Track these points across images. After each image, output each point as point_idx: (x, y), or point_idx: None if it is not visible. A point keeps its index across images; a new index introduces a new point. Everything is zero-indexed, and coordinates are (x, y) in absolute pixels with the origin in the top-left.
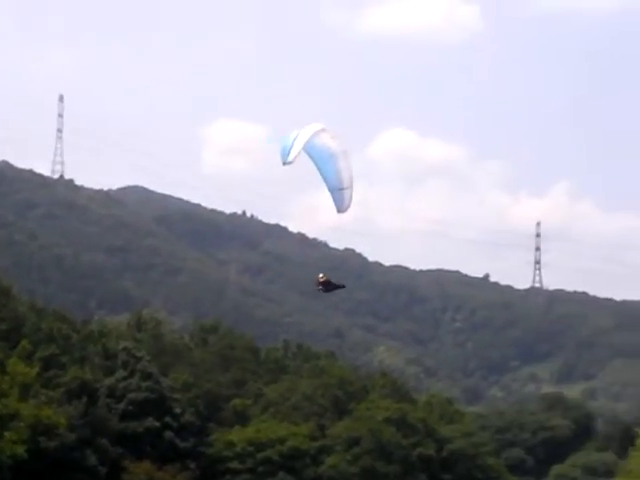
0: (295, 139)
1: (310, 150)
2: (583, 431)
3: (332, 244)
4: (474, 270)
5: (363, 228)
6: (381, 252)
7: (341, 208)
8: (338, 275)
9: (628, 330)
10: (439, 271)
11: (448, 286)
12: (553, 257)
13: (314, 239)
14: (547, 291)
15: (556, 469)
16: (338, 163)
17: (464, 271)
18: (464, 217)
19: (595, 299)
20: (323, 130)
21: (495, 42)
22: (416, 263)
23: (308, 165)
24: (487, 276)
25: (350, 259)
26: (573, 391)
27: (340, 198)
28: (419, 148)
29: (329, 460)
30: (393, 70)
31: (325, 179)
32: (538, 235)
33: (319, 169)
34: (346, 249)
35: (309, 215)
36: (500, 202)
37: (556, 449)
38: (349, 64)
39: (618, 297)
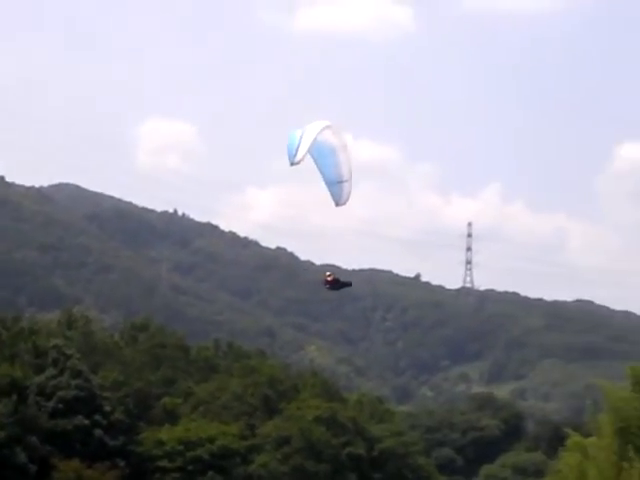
0: (302, 138)
1: (311, 146)
2: (513, 431)
3: (263, 243)
4: (405, 270)
5: (295, 227)
6: (313, 251)
7: (340, 201)
8: (268, 274)
9: (558, 330)
10: (370, 270)
11: (379, 285)
12: (484, 257)
13: (245, 238)
14: (478, 291)
15: (486, 469)
16: (338, 156)
17: (395, 271)
18: (396, 217)
19: (525, 299)
20: (328, 127)
21: (428, 43)
22: (348, 262)
23: (240, 164)
24: (418, 276)
25: (281, 258)
26: (503, 391)
27: (339, 191)
28: (351, 148)
29: (259, 459)
30: (325, 70)
31: (323, 172)
32: (469, 235)
33: (318, 163)
34: (277, 248)
35: (240, 214)
36: (432, 203)
37: (486, 449)
38: (281, 63)
39: (548, 297)
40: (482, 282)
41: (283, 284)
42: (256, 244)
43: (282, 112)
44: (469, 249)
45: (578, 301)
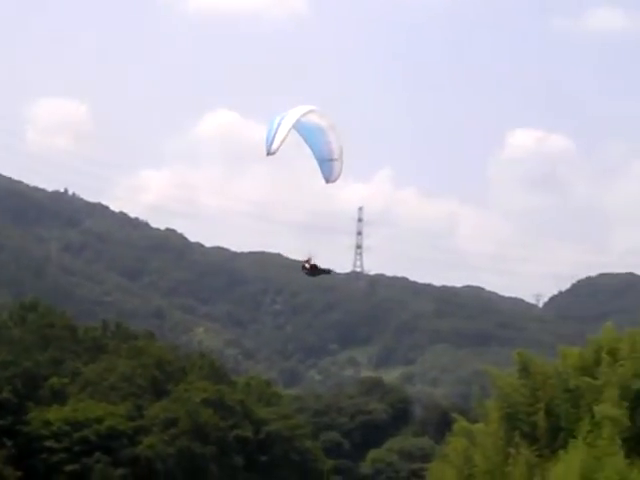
0: (279, 126)
1: (298, 127)
2: (401, 416)
3: (154, 224)
4: (296, 253)
5: (185, 209)
6: (203, 233)
7: (330, 178)
8: (158, 255)
9: (447, 316)
10: (261, 253)
11: (269, 268)
12: (375, 242)
13: (136, 219)
14: (368, 275)
15: (373, 453)
16: (328, 136)
17: (285, 254)
18: (287, 200)
19: (415, 284)
20: (312, 111)
21: (321, 26)
22: (238, 245)
23: (132, 145)
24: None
25: (171, 239)
26: (391, 376)
27: (329, 168)
28: (243, 130)
29: (146, 441)
30: (217, 50)
31: (314, 150)
32: (360, 220)
33: (307, 141)
34: (167, 229)
35: (132, 195)
36: (323, 187)
37: (373, 433)
38: (174, 43)
39: (438, 283)
40: (372, 266)
41: (173, 265)
42: (146, 225)
43: (175, 93)
44: (360, 233)
45: (467, 287)
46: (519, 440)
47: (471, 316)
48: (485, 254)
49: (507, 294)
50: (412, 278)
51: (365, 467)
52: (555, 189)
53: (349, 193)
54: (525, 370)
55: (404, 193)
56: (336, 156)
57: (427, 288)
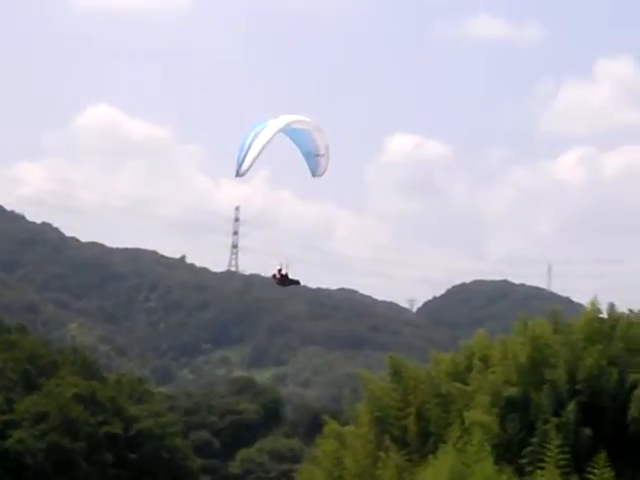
0: (249, 147)
1: (284, 129)
2: (271, 416)
3: (30, 218)
4: (171, 251)
5: (62, 203)
6: (79, 228)
7: (317, 172)
8: (33, 249)
9: (321, 318)
10: (136, 250)
11: (144, 265)
12: (251, 242)
13: (12, 212)
14: (243, 275)
15: (243, 453)
16: (312, 134)
17: (161, 251)
18: (165, 198)
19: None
20: (295, 121)
21: (205, 21)
22: (113, 240)
23: (9, 138)
24: (183, 257)
25: (47, 233)
26: (264, 376)
27: (315, 163)
28: (124, 126)
29: (16, 435)
30: (103, 47)
31: (300, 145)
32: (237, 219)
33: (293, 139)
34: (43, 223)
35: (8, 187)
36: (201, 185)
37: (244, 433)
38: (61, 41)
39: (313, 285)
40: (248, 266)
41: (48, 260)
42: (22, 218)
43: (55, 87)
44: (236, 233)
45: (342, 290)
46: (389, 444)
47: (345, 319)
48: (361, 258)
49: (381, 298)
50: None
51: (235, 467)
52: (432, 195)
53: (226, 193)
54: (397, 374)
55: (282, 195)
56: (322, 152)
57: (302, 290)
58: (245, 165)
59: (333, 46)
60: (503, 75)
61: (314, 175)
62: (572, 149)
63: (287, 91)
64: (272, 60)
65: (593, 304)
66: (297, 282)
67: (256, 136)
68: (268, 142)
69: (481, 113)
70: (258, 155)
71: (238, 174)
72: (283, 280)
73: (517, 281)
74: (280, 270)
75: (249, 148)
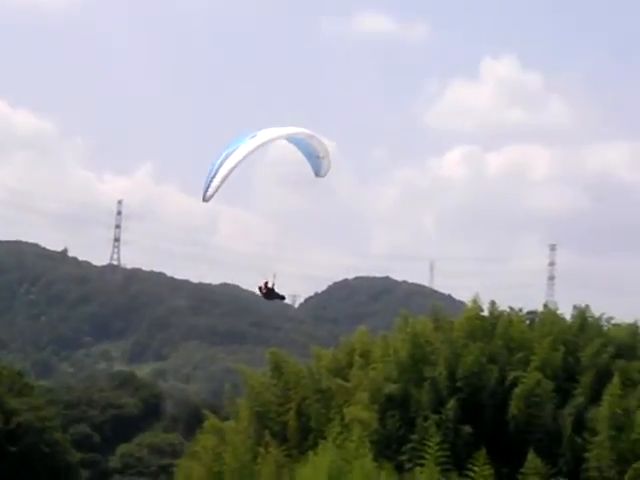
0: (216, 172)
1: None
2: (152, 411)
3: None
4: (53, 244)
5: None
6: None
7: (319, 172)
8: None
9: (202, 313)
10: (17, 243)
11: (25, 258)
12: (133, 236)
13: None
14: (125, 269)
15: (123, 448)
16: (311, 139)
17: (43, 244)
18: (47, 190)
19: (172, 280)
20: (284, 135)
21: (97, 14)
22: None
23: None
24: (65, 250)
25: None
26: (144, 370)
27: (318, 164)
28: (8, 118)
29: None
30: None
31: (300, 147)
32: (119, 213)
33: (292, 142)
34: None
35: None
36: (84, 178)
37: (124, 427)
38: None
39: (195, 279)
40: (130, 260)
41: None
42: None
43: None
44: (118, 227)
45: (224, 285)
46: (269, 439)
47: (226, 314)
48: (243, 253)
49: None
50: (169, 274)
51: (114, 461)
52: (316, 191)
53: (109, 186)
54: (277, 370)
55: (165, 188)
56: (322, 155)
57: (184, 284)
58: (210, 190)
59: (222, 41)
60: (390, 73)
61: (317, 175)
62: (456, 147)
63: (174, 84)
64: (160, 55)
65: (474, 302)
66: (282, 297)
67: (227, 157)
68: (240, 162)
69: (367, 110)
70: (226, 177)
71: (204, 199)
72: (269, 293)
73: (399, 278)
74: (266, 283)
75: (217, 171)
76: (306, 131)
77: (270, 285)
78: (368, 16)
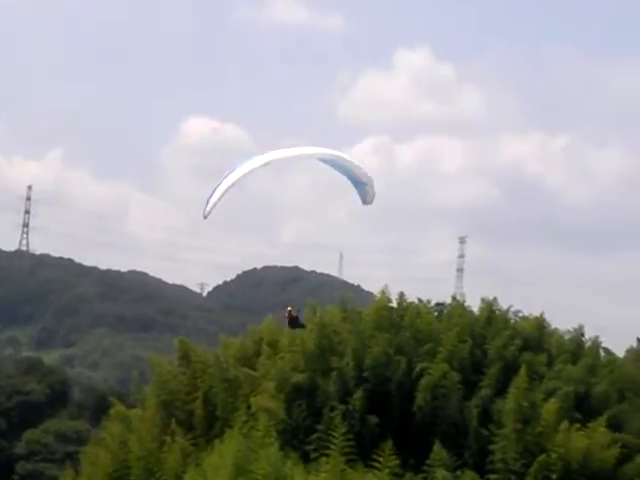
0: (215, 190)
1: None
2: (59, 398)
3: None
4: None
5: None
6: None
7: (366, 200)
8: None
9: (110, 300)
10: None
11: None
12: (42, 221)
13: None
14: (33, 255)
15: (29, 434)
16: (351, 163)
17: None
18: None
19: (80, 266)
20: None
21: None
22: None
23: None
24: None
25: None
26: (51, 357)
27: (364, 191)
28: None
29: None
30: None
31: (344, 174)
32: (29, 198)
33: (335, 166)
34: None
35: None
36: None
37: (30, 414)
38: None
39: (103, 266)
40: (39, 246)
41: None
42: None
43: None
44: (27, 212)
45: (133, 272)
46: (175, 427)
47: (135, 301)
48: (153, 240)
49: (172, 281)
50: (78, 260)
51: (20, 447)
52: None
53: (19, 171)
54: (185, 358)
55: (76, 174)
56: (365, 180)
57: (92, 271)
58: (207, 208)
59: (132, 23)
60: (304, 62)
61: (364, 203)
62: (368, 138)
63: (84, 69)
64: (70, 40)
65: (383, 292)
66: (303, 326)
67: (227, 176)
68: (245, 175)
69: (281, 99)
70: (221, 198)
71: (204, 216)
72: (292, 321)
73: (308, 268)
74: (291, 311)
75: (214, 190)
76: (342, 155)
77: (294, 314)
78: (282, 5)
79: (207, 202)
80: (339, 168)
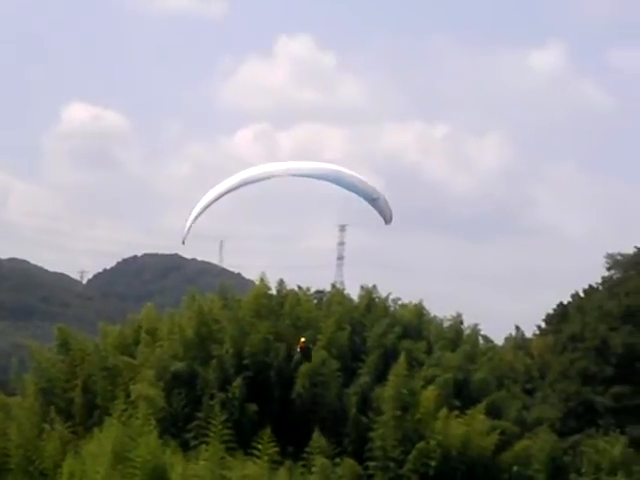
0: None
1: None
2: None
3: None
4: None
5: None
6: None
7: (386, 218)
8: None
9: None
10: None
11: None
12: None
13: None
14: None
15: None
16: (352, 179)
17: None
18: None
19: None
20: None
21: None
22: None
23: None
24: None
25: None
26: None
27: (380, 207)
28: None
29: None
30: None
31: (353, 191)
32: None
33: (342, 184)
34: None
35: None
36: None
37: None
38: None
39: None
40: None
41: None
42: None
43: None
44: None
45: (12, 259)
46: (54, 416)
47: (14, 288)
48: (33, 227)
49: (52, 269)
50: None
51: None
52: (108, 167)
53: None
54: (64, 346)
55: None
56: (375, 195)
57: None
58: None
59: (21, 14)
60: (186, 49)
61: (387, 222)
62: (249, 125)
63: None
64: None
65: (262, 280)
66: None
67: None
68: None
69: (161, 86)
70: (194, 221)
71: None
72: (304, 350)
73: (189, 256)
74: (304, 342)
75: (190, 217)
76: (341, 169)
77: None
78: None
79: (186, 229)
80: (345, 185)
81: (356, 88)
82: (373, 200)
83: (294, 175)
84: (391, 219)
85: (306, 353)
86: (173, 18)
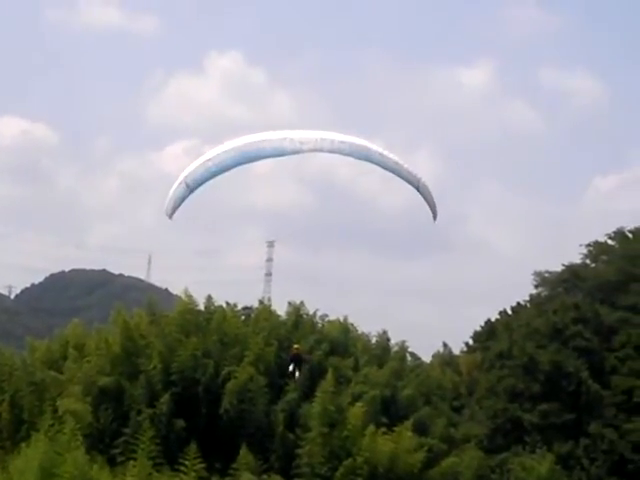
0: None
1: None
2: None
3: None
4: None
5: None
6: None
7: (435, 214)
8: None
9: None
10: None
11: None
12: None
13: None
14: None
15: None
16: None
17: None
18: None
19: None
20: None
21: None
22: None
23: None
24: None
25: None
26: None
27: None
28: None
29: None
30: None
31: (401, 176)
32: None
33: (382, 164)
34: None
35: None
36: None
37: None
38: None
39: None
40: None
41: None
42: None
43: None
44: None
45: None
46: None
47: None
48: None
49: None
50: None
51: None
52: (36, 181)
53: None
54: None
55: None
56: (416, 182)
57: None
58: (169, 211)
59: None
60: (116, 64)
61: (435, 218)
62: (178, 141)
63: None
64: None
65: (188, 296)
66: (301, 363)
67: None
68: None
69: (90, 100)
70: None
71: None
72: (293, 358)
73: (116, 271)
74: (297, 349)
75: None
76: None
77: (299, 354)
78: (94, 6)
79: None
80: (381, 164)
81: (286, 103)
82: (416, 187)
83: (331, 152)
84: (435, 213)
85: (298, 361)
86: (103, 33)
